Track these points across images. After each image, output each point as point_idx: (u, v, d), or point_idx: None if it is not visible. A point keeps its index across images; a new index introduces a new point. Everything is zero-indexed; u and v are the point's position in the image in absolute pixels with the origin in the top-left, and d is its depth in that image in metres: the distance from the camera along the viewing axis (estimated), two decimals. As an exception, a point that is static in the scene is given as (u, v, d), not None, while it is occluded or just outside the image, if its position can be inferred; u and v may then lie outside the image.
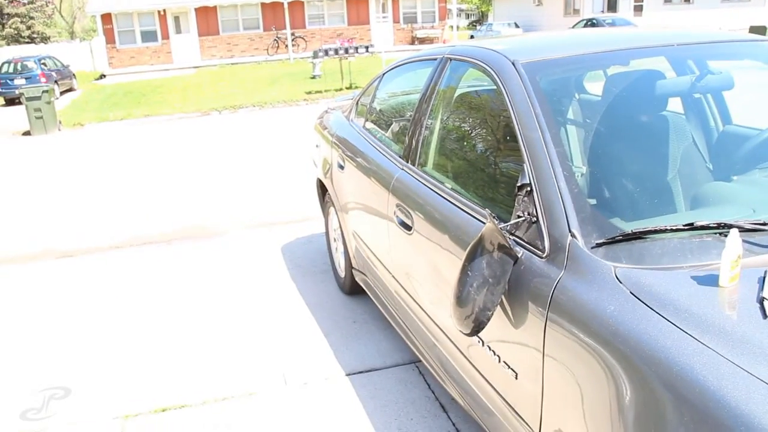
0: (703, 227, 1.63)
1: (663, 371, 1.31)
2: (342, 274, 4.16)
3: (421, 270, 2.61)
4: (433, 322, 2.52)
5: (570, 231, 1.71)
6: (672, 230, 1.65)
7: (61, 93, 22.13)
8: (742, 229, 1.57)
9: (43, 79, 20.24)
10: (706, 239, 1.61)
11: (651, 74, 2.45)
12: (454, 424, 2.79)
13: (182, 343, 3.73)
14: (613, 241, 1.66)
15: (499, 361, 1.94)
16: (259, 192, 7.26)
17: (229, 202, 6.95)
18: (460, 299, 1.76)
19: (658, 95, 2.41)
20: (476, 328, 1.76)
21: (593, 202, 1.87)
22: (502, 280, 1.76)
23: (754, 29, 21.25)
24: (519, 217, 1.86)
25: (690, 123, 2.45)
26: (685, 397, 1.25)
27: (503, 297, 1.81)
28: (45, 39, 39.65)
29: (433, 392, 3.02)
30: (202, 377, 3.34)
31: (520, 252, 1.81)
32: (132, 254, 5.42)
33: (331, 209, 4.22)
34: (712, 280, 1.46)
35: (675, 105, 2.49)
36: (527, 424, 1.83)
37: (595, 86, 2.45)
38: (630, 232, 1.68)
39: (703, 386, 1.23)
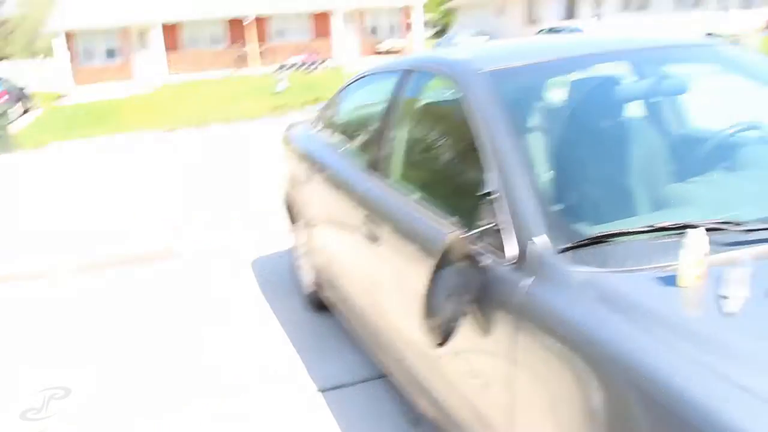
0: (665, 228, 1.65)
1: (630, 374, 1.31)
2: (309, 290, 4.12)
3: (388, 283, 2.59)
4: (402, 335, 2.50)
5: (536, 237, 1.71)
6: (635, 232, 1.67)
7: (21, 113, 21.70)
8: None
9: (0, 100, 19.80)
10: (669, 240, 1.62)
11: (612, 79, 2.49)
12: (426, 437, 2.76)
13: (148, 365, 3.65)
14: (578, 246, 1.67)
15: (470, 372, 1.93)
16: (227, 207, 7.18)
17: (197, 218, 6.86)
18: (428, 310, 1.75)
19: (618, 100, 2.44)
20: (445, 339, 1.75)
21: (558, 207, 1.88)
22: (470, 290, 1.75)
23: (709, 35, 21.85)
24: (485, 225, 1.86)
25: (650, 126, 2.49)
26: (654, 400, 1.25)
27: (472, 306, 1.80)
28: (3, 58, 38.96)
29: (403, 407, 2.98)
30: (172, 398, 3.27)
31: (487, 260, 1.80)
32: (91, 279, 5.30)
33: (298, 224, 4.18)
34: (675, 281, 1.47)
35: (636, 109, 2.53)
36: None
37: (558, 93, 2.47)
38: (595, 236, 1.69)
39: (670, 387, 1.23)
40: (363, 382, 3.27)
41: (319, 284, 3.82)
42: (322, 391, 3.22)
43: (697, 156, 2.34)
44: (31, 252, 6.12)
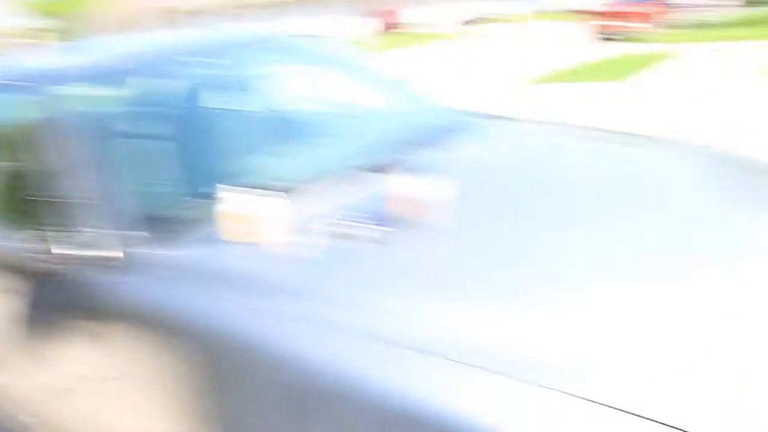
0: (208, 197, 1.76)
1: (224, 344, 1.40)
2: None
3: None
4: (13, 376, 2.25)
5: (127, 234, 1.71)
6: (206, 208, 1.75)
7: None
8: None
9: None
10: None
11: (194, 75, 2.58)
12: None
13: None
14: (159, 233, 1.71)
15: (95, 391, 1.81)
16: None
17: None
18: (27, 333, 1.65)
19: (198, 92, 2.54)
20: (52, 361, 1.66)
21: (146, 202, 1.87)
22: (69, 303, 1.69)
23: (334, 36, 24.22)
24: (77, 234, 1.76)
25: (228, 114, 2.63)
26: (252, 363, 1.35)
27: (76, 321, 1.72)
28: None
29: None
30: None
31: (73, 271, 1.72)
32: None
33: None
34: (253, 245, 1.61)
35: (216, 99, 2.66)
36: None
37: (137, 94, 2.43)
38: (174, 219, 1.76)
39: (248, 339, 1.35)
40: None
41: None
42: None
43: (278, 134, 2.56)
44: None
